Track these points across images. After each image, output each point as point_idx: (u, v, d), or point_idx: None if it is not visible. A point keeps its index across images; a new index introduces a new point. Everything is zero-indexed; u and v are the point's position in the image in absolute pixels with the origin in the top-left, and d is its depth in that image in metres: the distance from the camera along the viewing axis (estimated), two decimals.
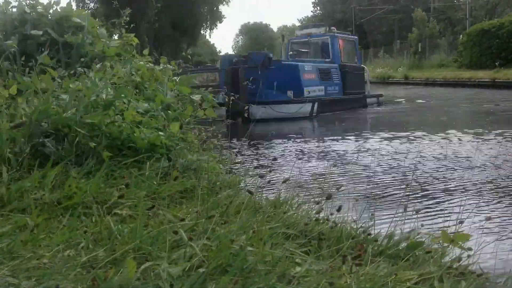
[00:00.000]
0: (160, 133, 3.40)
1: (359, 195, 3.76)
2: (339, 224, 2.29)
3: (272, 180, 3.33)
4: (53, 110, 3.06)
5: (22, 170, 2.64)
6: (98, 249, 1.78)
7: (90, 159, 2.91)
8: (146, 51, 5.77)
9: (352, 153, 6.28)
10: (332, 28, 17.21)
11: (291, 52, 17.66)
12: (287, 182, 2.70)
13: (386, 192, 4.09)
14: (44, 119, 2.97)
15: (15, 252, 1.77)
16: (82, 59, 5.08)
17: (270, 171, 2.72)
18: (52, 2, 5.66)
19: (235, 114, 12.33)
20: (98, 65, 4.47)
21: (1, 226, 2.03)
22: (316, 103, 13.86)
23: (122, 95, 3.61)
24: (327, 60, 16.29)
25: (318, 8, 65.87)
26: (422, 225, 2.47)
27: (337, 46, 16.30)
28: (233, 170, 4.08)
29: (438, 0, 40.68)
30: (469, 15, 36.75)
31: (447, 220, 2.65)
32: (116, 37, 6.16)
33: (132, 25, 6.07)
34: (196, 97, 4.72)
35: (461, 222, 2.25)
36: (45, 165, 2.68)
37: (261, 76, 14.30)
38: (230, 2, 32.24)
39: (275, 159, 5.07)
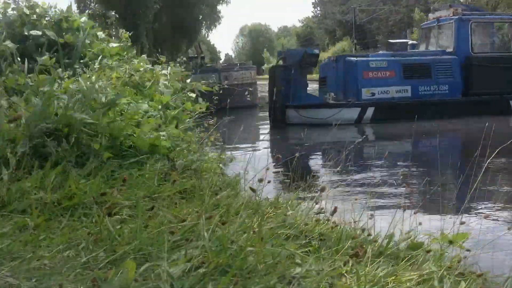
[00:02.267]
0: (161, 133, 3.41)
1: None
2: (339, 225, 2.29)
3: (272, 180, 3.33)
4: (53, 110, 3.06)
5: (22, 171, 2.64)
6: (98, 249, 1.78)
7: (91, 160, 2.91)
8: (163, 59, 5.77)
9: None
10: (457, 7, 13.16)
11: (410, 42, 14.39)
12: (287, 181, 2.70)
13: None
14: (44, 119, 2.97)
15: (15, 252, 1.77)
16: (81, 60, 5.09)
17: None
18: (50, 4, 5.69)
19: (275, 117, 11.23)
20: (97, 65, 4.49)
21: (1, 226, 2.03)
22: (372, 108, 11.28)
23: (123, 96, 3.61)
24: (447, 50, 12.53)
25: (318, 8, 65.91)
26: (421, 224, 2.47)
27: (465, 32, 12.26)
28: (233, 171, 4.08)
29: (438, 1, 40.74)
30: None
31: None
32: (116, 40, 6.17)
33: (129, 24, 6.10)
34: (192, 93, 4.76)
35: (462, 223, 2.25)
36: (45, 166, 2.68)
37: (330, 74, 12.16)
38: (229, 2, 32.11)
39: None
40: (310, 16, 70.44)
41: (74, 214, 2.25)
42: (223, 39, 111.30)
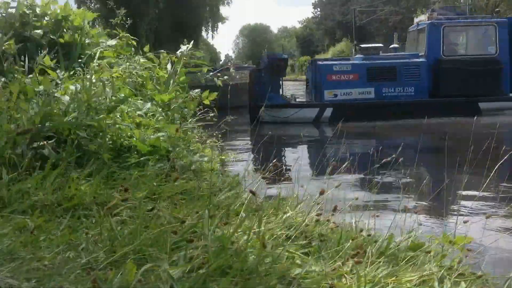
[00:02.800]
0: (160, 134, 3.41)
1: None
2: (340, 225, 2.29)
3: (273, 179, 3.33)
4: (55, 114, 3.06)
5: (23, 172, 2.64)
6: (98, 250, 1.78)
7: (91, 161, 2.91)
8: (146, 48, 5.80)
9: None
10: (433, 12, 13.91)
11: (392, 46, 15.15)
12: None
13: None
14: (45, 123, 2.97)
15: (15, 253, 1.77)
16: (81, 60, 5.09)
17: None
18: (50, 2, 5.67)
19: (251, 115, 12.51)
20: (96, 65, 4.48)
21: (1, 227, 2.03)
22: (330, 108, 12.25)
23: (125, 97, 3.61)
24: (420, 54, 13.20)
25: (318, 9, 65.92)
26: (422, 225, 2.47)
27: (437, 36, 12.82)
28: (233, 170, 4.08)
29: (438, 2, 40.73)
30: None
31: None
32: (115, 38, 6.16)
33: (129, 24, 6.08)
34: (196, 93, 4.76)
35: (465, 222, 2.25)
36: (45, 167, 2.68)
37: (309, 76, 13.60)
38: (231, 3, 32.20)
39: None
40: (310, 17, 70.51)
41: (74, 215, 2.25)
42: (223, 39, 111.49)
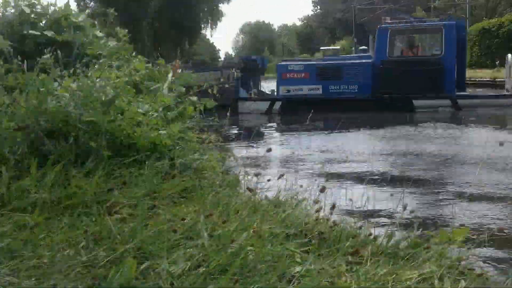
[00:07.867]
0: (161, 132, 3.40)
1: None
2: (339, 223, 2.29)
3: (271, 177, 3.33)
4: (52, 109, 3.05)
5: (22, 169, 2.63)
6: (98, 248, 1.78)
7: (91, 158, 2.90)
8: (141, 57, 5.77)
9: None
10: (387, 17, 14.94)
11: (362, 47, 16.46)
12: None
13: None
14: (43, 118, 2.96)
15: (15, 251, 1.77)
16: (81, 59, 5.08)
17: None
18: (50, 2, 5.67)
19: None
20: (96, 65, 4.47)
21: (1, 225, 2.03)
22: (279, 102, 14.14)
23: (122, 94, 3.60)
24: (364, 55, 14.92)
25: (318, 7, 65.88)
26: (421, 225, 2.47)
27: (383, 39, 13.77)
28: (232, 168, 4.08)
29: (438, 0, 40.66)
30: (469, 14, 36.71)
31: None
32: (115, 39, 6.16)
33: (129, 23, 6.07)
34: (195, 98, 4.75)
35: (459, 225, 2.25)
36: (44, 164, 2.68)
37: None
38: (230, 1, 32.24)
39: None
40: (310, 15, 70.46)
41: (74, 213, 2.25)
42: (223, 37, 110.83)
